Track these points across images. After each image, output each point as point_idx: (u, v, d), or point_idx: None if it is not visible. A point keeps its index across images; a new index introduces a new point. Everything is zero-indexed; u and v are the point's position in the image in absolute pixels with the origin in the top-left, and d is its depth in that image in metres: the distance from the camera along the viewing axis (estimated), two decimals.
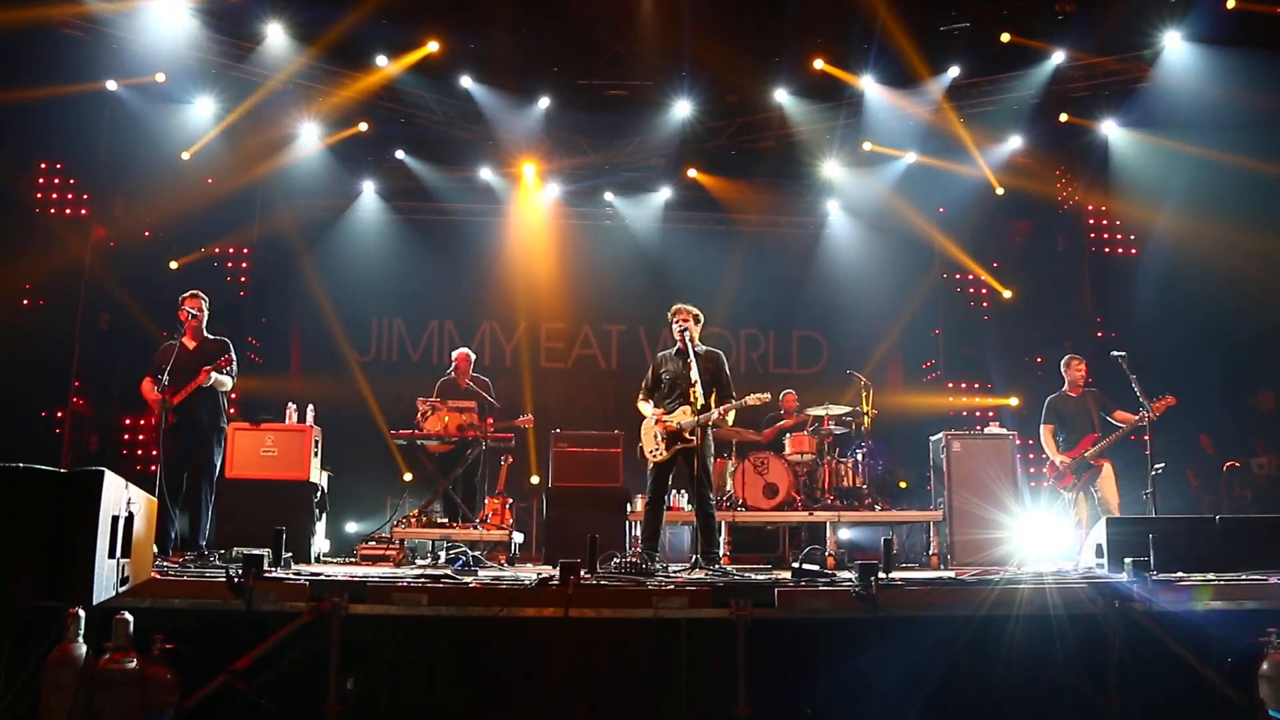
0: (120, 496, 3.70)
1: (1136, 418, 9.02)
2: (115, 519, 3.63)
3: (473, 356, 10.60)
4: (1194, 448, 12.09)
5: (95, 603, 3.58)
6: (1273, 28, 11.03)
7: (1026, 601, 5.93)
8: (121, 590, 3.84)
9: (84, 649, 4.38)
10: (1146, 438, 8.67)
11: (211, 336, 8.48)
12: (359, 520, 12.16)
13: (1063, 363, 9.81)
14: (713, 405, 7.80)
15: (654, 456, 7.85)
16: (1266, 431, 12.06)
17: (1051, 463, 9.54)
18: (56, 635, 4.33)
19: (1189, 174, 12.24)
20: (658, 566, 7.20)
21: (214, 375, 8.09)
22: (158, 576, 5.37)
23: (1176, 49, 11.89)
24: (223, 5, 11.35)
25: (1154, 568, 6.08)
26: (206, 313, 8.47)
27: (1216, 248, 11.97)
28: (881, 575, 5.96)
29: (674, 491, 10.25)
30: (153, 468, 7.77)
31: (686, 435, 7.70)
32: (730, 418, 7.98)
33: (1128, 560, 6.04)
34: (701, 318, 8.09)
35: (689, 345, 7.87)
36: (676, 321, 8.00)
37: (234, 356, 8.39)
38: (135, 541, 3.87)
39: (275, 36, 11.74)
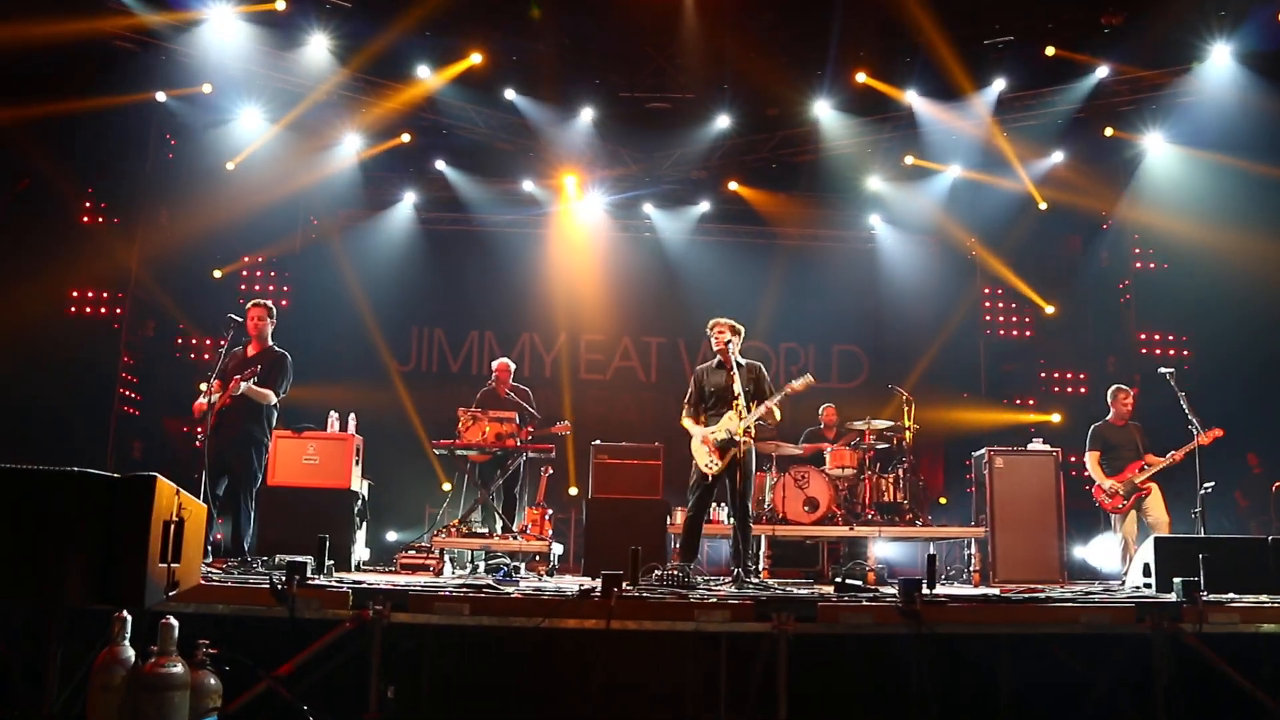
0: (172, 502, 3.74)
1: (1166, 460, 9.08)
2: (167, 524, 3.67)
3: (513, 366, 10.63)
4: (1242, 467, 11.90)
5: (146, 606, 3.62)
6: None
7: (1071, 619, 5.86)
8: (171, 595, 3.87)
9: (131, 652, 4.42)
10: (1196, 456, 8.59)
11: (273, 348, 8.41)
12: (398, 529, 12.22)
13: (1110, 392, 9.77)
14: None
15: (710, 469, 7.82)
16: None
17: (1099, 487, 9.47)
18: (105, 638, 4.38)
19: (1235, 189, 12.07)
20: (699, 580, 7.17)
21: (243, 385, 7.96)
22: (202, 582, 5.41)
23: (1226, 62, 11.73)
24: (269, 17, 11.48)
25: (1204, 588, 5.98)
26: (270, 323, 8.41)
27: (1264, 264, 11.79)
28: (925, 591, 5.91)
29: (714, 504, 10.22)
30: (196, 475, 7.81)
31: (737, 438, 7.68)
32: (778, 413, 7.94)
33: (1177, 580, 5.95)
34: (741, 330, 8.07)
35: (732, 358, 7.86)
36: (715, 334, 8.00)
37: (285, 371, 8.32)
38: (185, 547, 3.91)
39: (319, 48, 11.85)
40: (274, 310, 8.53)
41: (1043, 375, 14.76)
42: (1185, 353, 13.71)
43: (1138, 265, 14.50)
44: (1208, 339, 12.54)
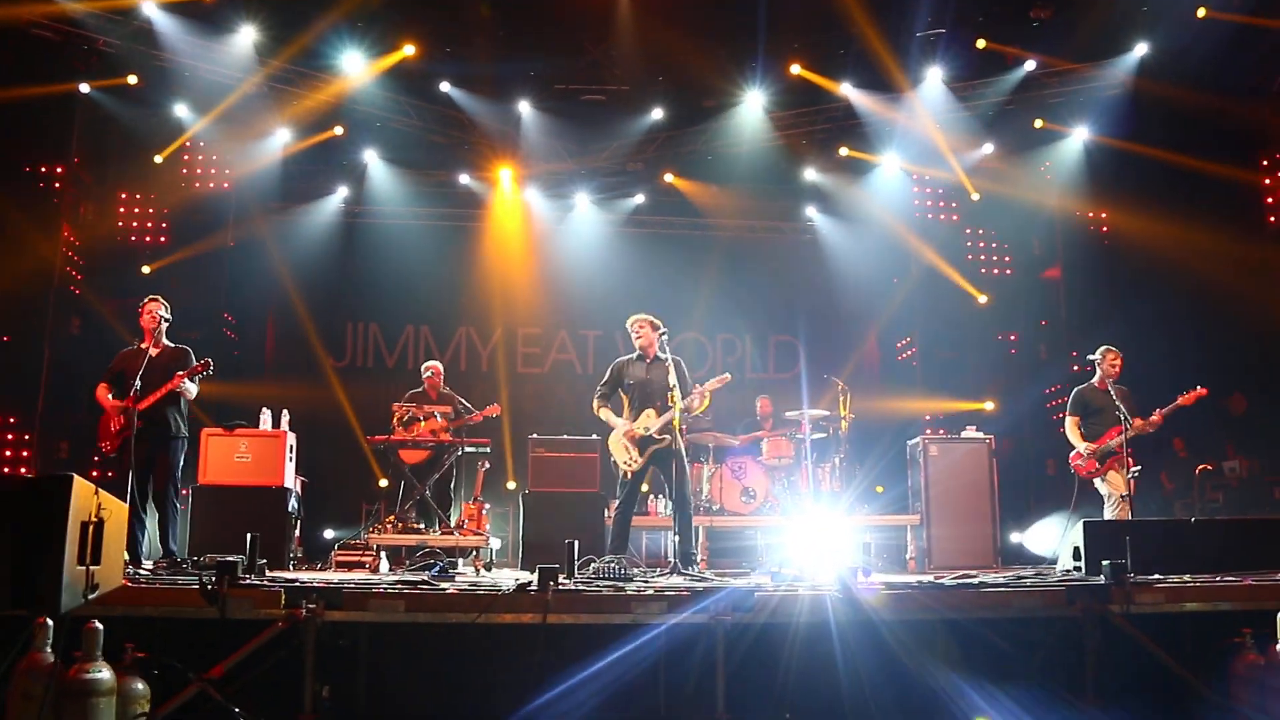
0: (90, 502, 3.64)
1: (1151, 417, 9.02)
2: (85, 525, 3.57)
3: (442, 370, 10.63)
4: (1168, 451, 12.15)
5: (63, 610, 3.52)
6: (1239, 35, 11.17)
7: (1004, 604, 5.96)
8: (91, 598, 3.77)
9: (52, 659, 4.30)
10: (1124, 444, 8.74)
11: (171, 344, 8.36)
12: (334, 526, 12.06)
13: (1099, 353, 9.53)
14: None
15: (629, 466, 7.89)
16: (1237, 434, 12.15)
17: (1077, 452, 9.34)
18: (24, 645, 4.25)
19: (1160, 180, 12.33)
20: (635, 572, 7.17)
21: (189, 383, 8.02)
22: (129, 584, 5.30)
23: (1148, 56, 12.01)
24: (196, 7, 11.25)
25: (1131, 570, 6.10)
26: (166, 318, 8.35)
27: (1187, 252, 12.05)
28: (861, 579, 5.97)
29: (651, 496, 10.24)
30: (110, 474, 7.69)
31: (656, 435, 7.75)
32: (698, 402, 7.96)
33: (1105, 562, 6.07)
34: (660, 325, 8.10)
35: (656, 351, 7.93)
36: (635, 329, 8.06)
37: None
38: (105, 548, 3.80)
39: (248, 39, 11.64)
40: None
41: (976, 364, 14.94)
42: (1113, 340, 13.94)
43: (1067, 254, 14.74)
44: (1134, 326, 12.78)
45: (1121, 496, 8.96)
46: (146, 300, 8.37)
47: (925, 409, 14.10)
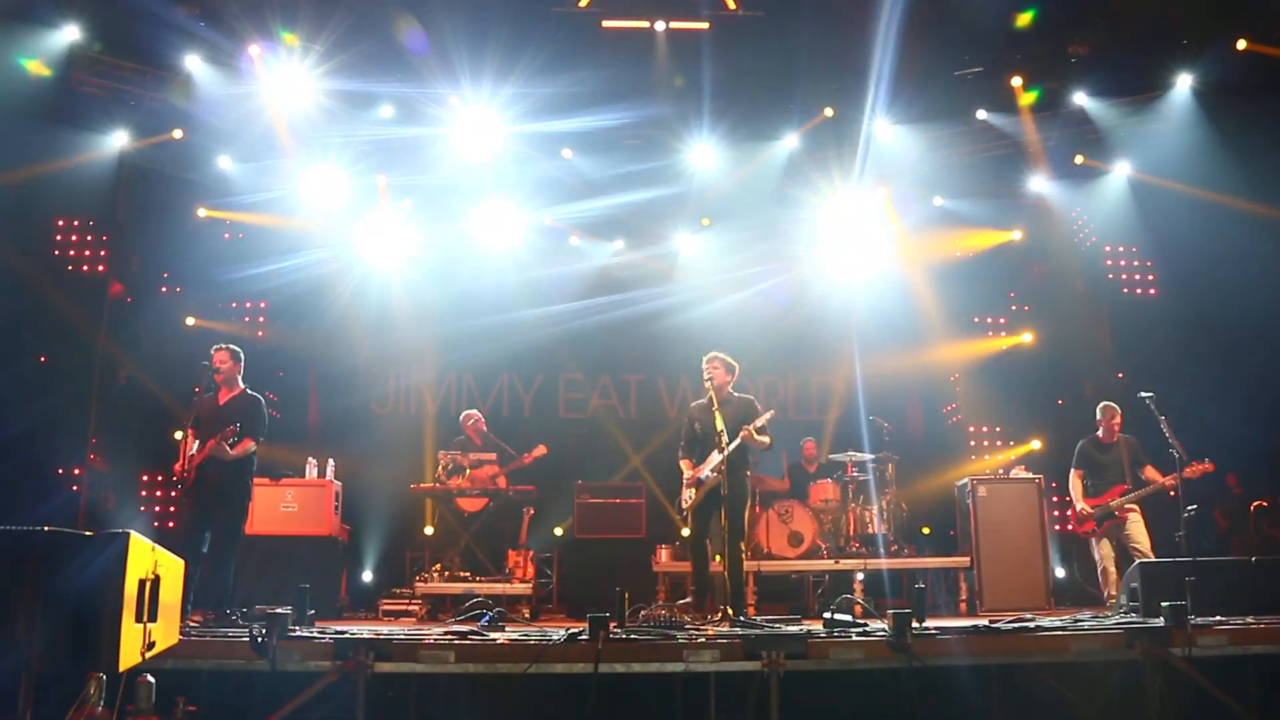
0: (147, 559, 3.65)
1: (1165, 479, 8.84)
2: (142, 582, 3.57)
3: (480, 416, 10.72)
4: (1221, 488, 11.92)
5: (121, 669, 3.52)
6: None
7: (1061, 648, 5.84)
8: (148, 655, 3.78)
9: (106, 714, 4.31)
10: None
11: (245, 390, 8.23)
12: (376, 574, 12.05)
13: (1099, 408, 9.52)
14: None
15: (685, 503, 7.98)
16: None
17: (1073, 509, 9.40)
18: (81, 700, 4.26)
19: (1205, 214, 12.20)
20: (685, 619, 7.08)
21: (226, 448, 7.79)
22: (180, 637, 5.30)
23: (1188, 91, 11.92)
24: (240, 61, 11.46)
25: (1191, 611, 5.96)
26: (237, 366, 8.23)
27: (1236, 287, 11.90)
28: (915, 624, 5.87)
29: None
30: (170, 524, 7.69)
31: (702, 478, 7.78)
32: (756, 440, 7.82)
33: (1164, 604, 5.94)
34: (735, 366, 8.11)
35: (713, 393, 7.87)
36: (707, 369, 8.04)
37: (263, 416, 8.17)
38: (162, 605, 3.81)
39: (293, 86, 11.79)
40: (240, 353, 8.36)
41: (1022, 404, 14.74)
42: (1163, 376, 13.72)
43: (1113, 291, 14.58)
44: (1185, 362, 12.60)
45: (1138, 548, 8.81)
46: (214, 349, 8.27)
47: (971, 450, 13.94)
